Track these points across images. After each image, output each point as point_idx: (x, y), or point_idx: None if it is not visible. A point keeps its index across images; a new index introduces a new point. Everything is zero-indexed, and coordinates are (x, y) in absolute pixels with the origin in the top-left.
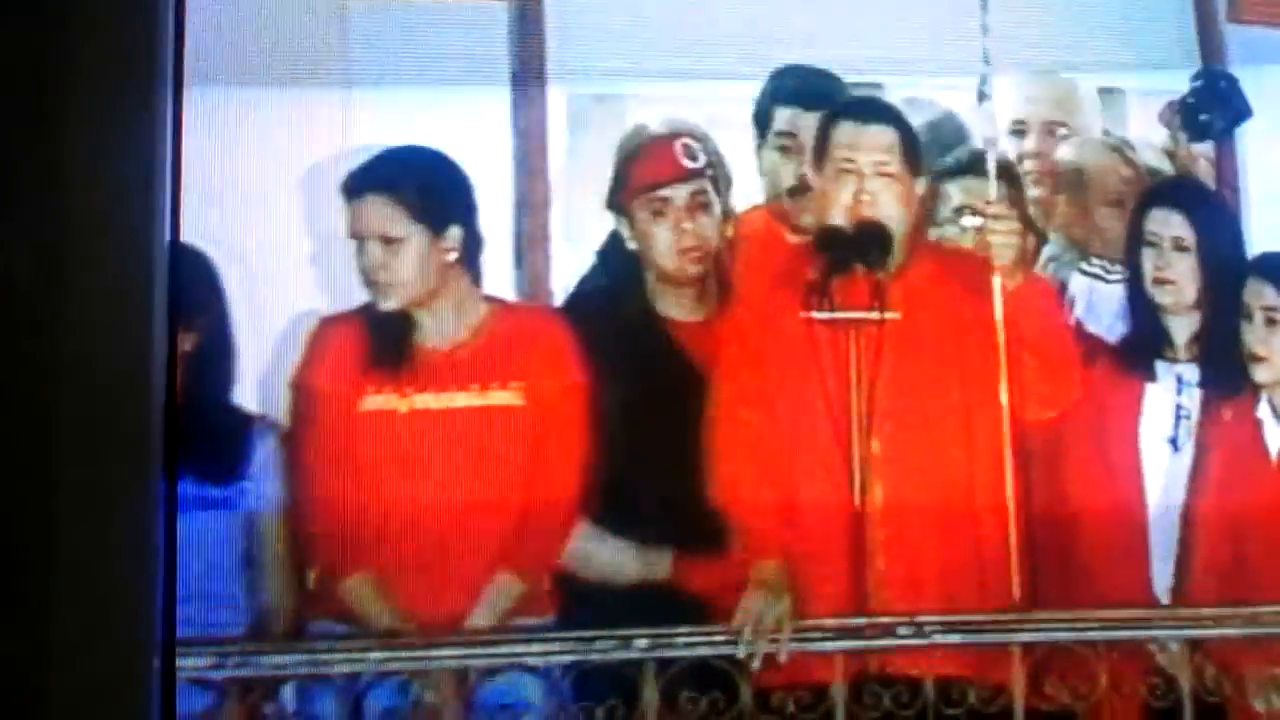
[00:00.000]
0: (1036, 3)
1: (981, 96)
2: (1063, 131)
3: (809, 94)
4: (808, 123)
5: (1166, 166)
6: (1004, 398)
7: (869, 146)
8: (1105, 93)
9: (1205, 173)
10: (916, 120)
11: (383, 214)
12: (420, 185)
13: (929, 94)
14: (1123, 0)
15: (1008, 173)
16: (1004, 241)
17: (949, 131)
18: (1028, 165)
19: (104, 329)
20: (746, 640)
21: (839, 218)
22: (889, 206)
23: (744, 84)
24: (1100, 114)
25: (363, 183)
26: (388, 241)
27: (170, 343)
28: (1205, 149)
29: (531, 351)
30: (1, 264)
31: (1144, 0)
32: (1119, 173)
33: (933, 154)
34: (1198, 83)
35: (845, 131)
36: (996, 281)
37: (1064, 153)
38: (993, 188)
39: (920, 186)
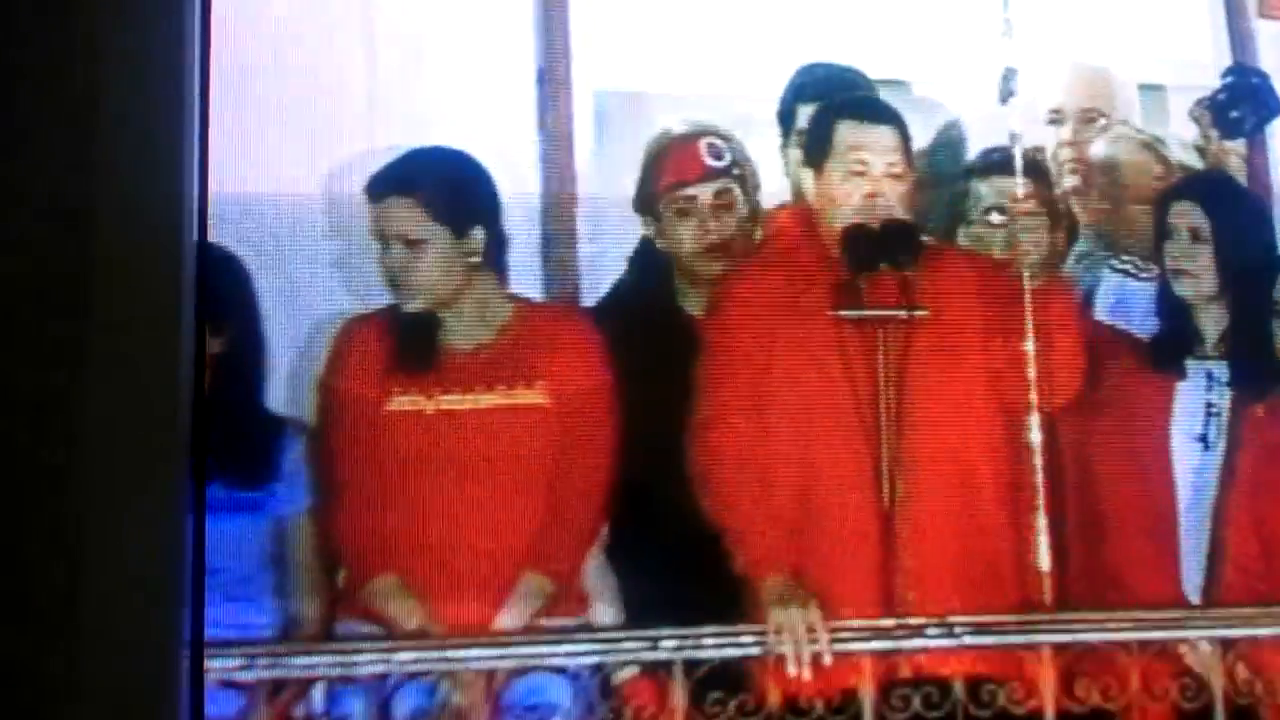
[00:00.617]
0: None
1: (1007, 95)
2: (1101, 122)
3: (832, 91)
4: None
5: (1197, 163)
6: (1033, 396)
7: (878, 147)
8: (1145, 89)
9: (1237, 169)
10: (927, 121)
11: (405, 216)
12: (442, 186)
13: (951, 92)
14: None
15: (1036, 169)
16: (1031, 239)
17: (957, 133)
18: (1064, 154)
19: (132, 331)
20: (790, 653)
21: (854, 218)
22: (901, 206)
23: (771, 83)
24: (1138, 106)
25: (385, 184)
26: (410, 243)
27: (199, 344)
28: (1237, 146)
29: (557, 350)
30: (29, 264)
31: None
32: (1151, 170)
33: (943, 154)
34: (1229, 79)
35: (856, 132)
36: (1025, 279)
37: (1097, 149)
38: (1019, 185)
39: (910, 181)
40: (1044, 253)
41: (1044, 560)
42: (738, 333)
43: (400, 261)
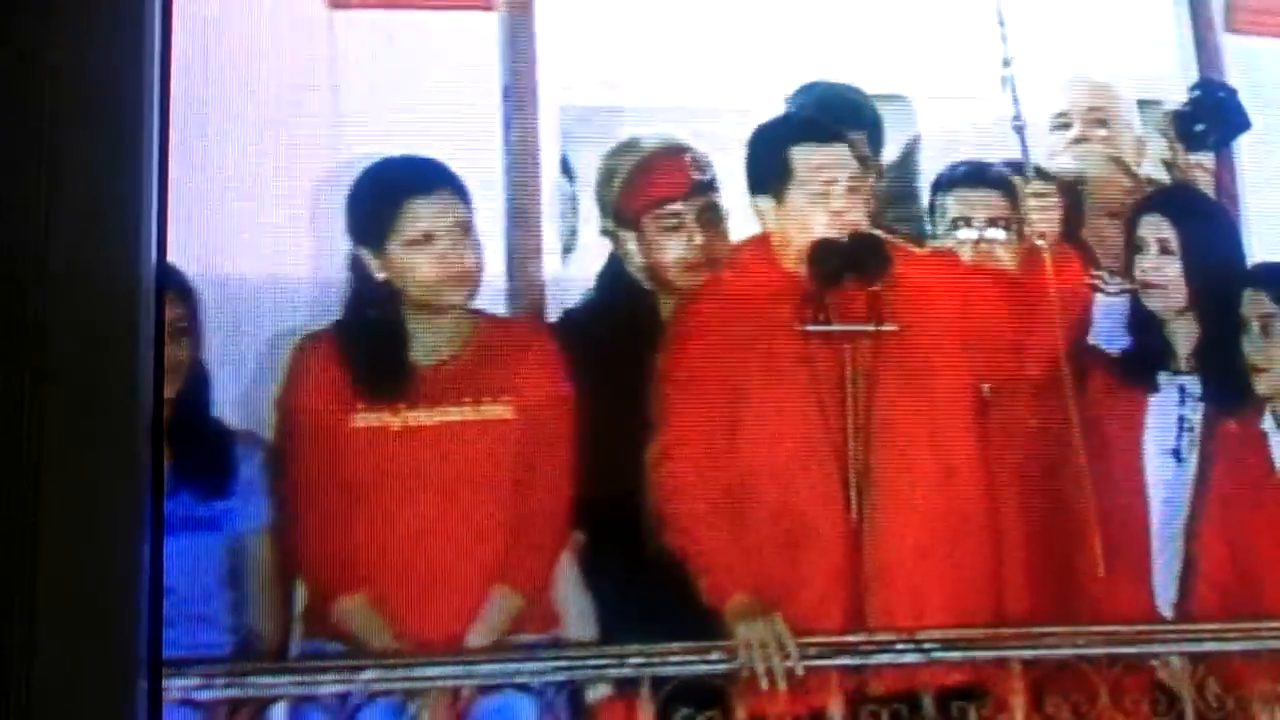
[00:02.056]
0: (1044, 12)
1: (1016, 124)
2: (1102, 132)
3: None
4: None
5: (1165, 177)
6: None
7: (837, 165)
8: (1144, 104)
9: (1205, 183)
10: (896, 132)
11: (444, 207)
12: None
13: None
14: (1120, 9)
15: (1003, 183)
16: (1009, 254)
17: (918, 148)
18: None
19: (91, 348)
20: (760, 668)
21: (820, 234)
22: (860, 219)
23: (737, 99)
24: (1138, 116)
25: (433, 178)
26: (460, 224)
27: (157, 361)
28: (1204, 159)
29: (522, 364)
30: None
31: (1141, 10)
32: (1119, 183)
33: (913, 167)
34: (1195, 93)
35: (808, 153)
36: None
37: (1064, 162)
38: (1026, 202)
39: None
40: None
41: (1014, 574)
42: (700, 351)
43: (451, 250)
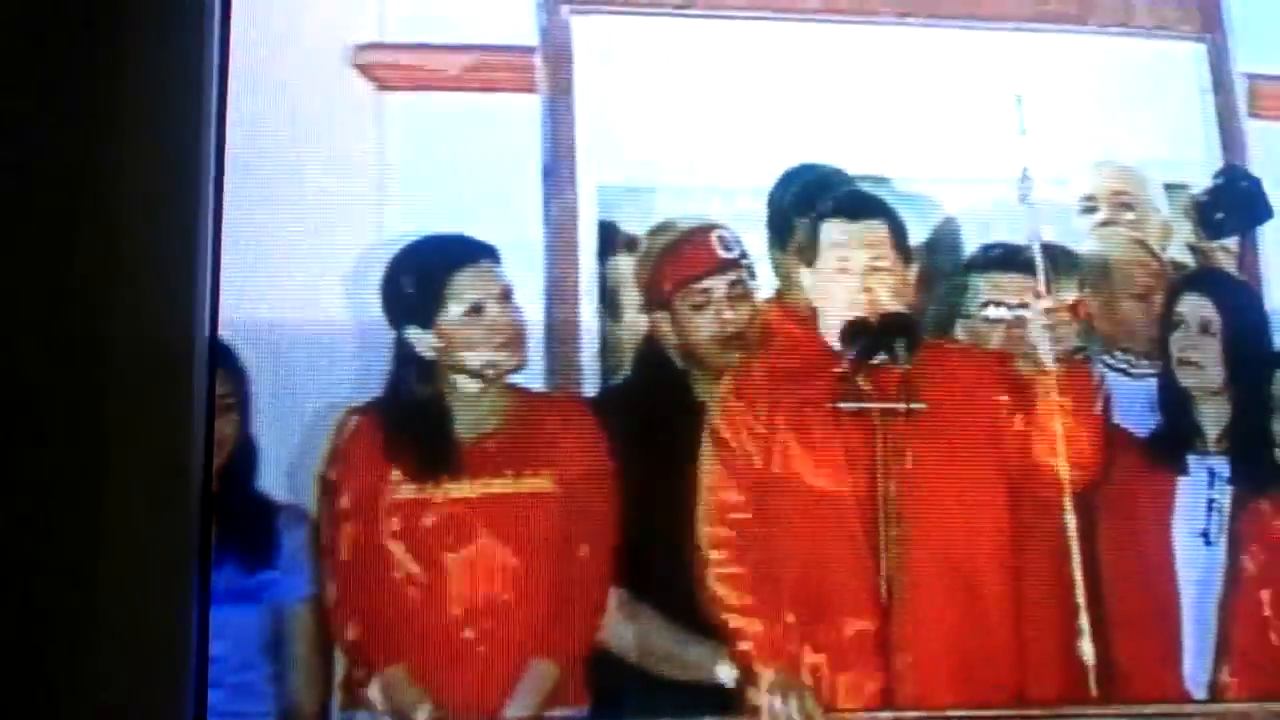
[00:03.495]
0: (1071, 97)
1: (1026, 194)
2: (1129, 215)
3: (820, 194)
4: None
5: (1190, 260)
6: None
7: (861, 243)
8: (1170, 188)
9: (1228, 265)
10: (925, 216)
11: (492, 276)
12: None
13: (964, 188)
14: (1143, 92)
15: (1031, 266)
16: (1059, 333)
17: (954, 227)
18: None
19: (144, 423)
20: None
21: (844, 312)
22: (894, 298)
23: (773, 176)
24: (1165, 198)
25: (467, 252)
26: (504, 298)
27: (207, 435)
28: (1228, 244)
29: (562, 438)
30: (46, 354)
31: (1164, 93)
32: (1144, 265)
33: (940, 249)
34: (1218, 180)
35: (834, 229)
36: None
37: (1089, 245)
38: (1042, 280)
39: (913, 274)
40: (1070, 345)
41: (1045, 655)
42: (740, 425)
43: (500, 317)
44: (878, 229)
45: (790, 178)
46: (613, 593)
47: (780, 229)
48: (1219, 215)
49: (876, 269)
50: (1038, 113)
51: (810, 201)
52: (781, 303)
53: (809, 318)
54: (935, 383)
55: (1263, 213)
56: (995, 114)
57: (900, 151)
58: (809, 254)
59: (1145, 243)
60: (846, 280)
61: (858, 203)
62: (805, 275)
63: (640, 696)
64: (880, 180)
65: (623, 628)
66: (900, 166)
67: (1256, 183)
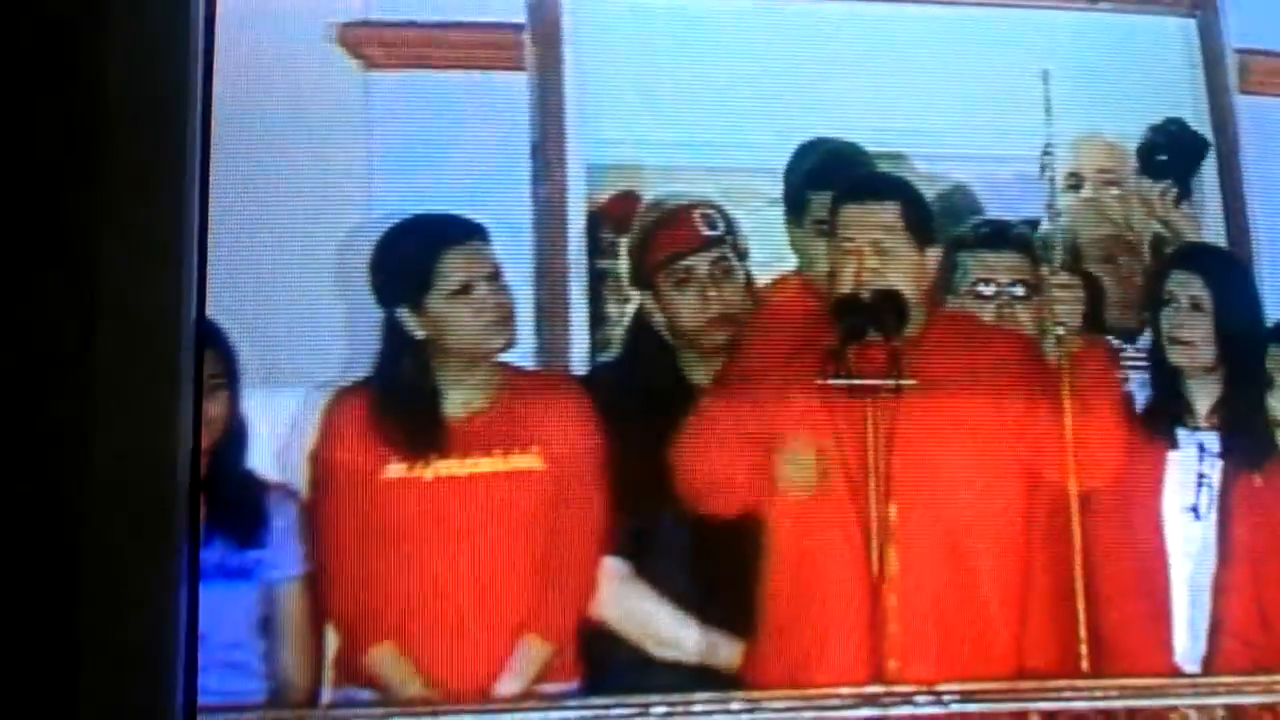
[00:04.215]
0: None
1: (1043, 169)
2: (1114, 191)
3: (837, 169)
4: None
5: (1140, 215)
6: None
7: (866, 225)
8: None
9: (1189, 226)
10: (927, 192)
11: (486, 254)
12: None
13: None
14: (1134, 69)
15: (1023, 243)
16: (1066, 309)
17: (960, 202)
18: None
19: (132, 402)
20: None
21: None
22: (892, 281)
23: (762, 155)
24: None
25: (462, 231)
26: (493, 278)
27: (195, 413)
28: (1187, 208)
29: (550, 415)
30: (31, 334)
31: (1153, 69)
32: (1099, 230)
33: (945, 225)
34: (1154, 127)
35: (847, 213)
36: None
37: (1067, 220)
38: (1058, 256)
39: (932, 255)
40: (1078, 322)
41: (1034, 628)
42: (734, 401)
43: (490, 296)
44: (887, 210)
45: (805, 151)
46: (603, 568)
47: (796, 204)
48: (1160, 157)
49: (883, 251)
50: (1026, 88)
51: (825, 176)
52: (801, 277)
53: (820, 290)
54: (941, 357)
55: (1201, 145)
56: (983, 89)
57: (893, 126)
58: (824, 229)
59: (1098, 203)
60: (849, 260)
61: (867, 183)
62: (820, 251)
63: (631, 672)
64: (896, 156)
65: (612, 605)
66: (892, 140)
67: (1182, 124)
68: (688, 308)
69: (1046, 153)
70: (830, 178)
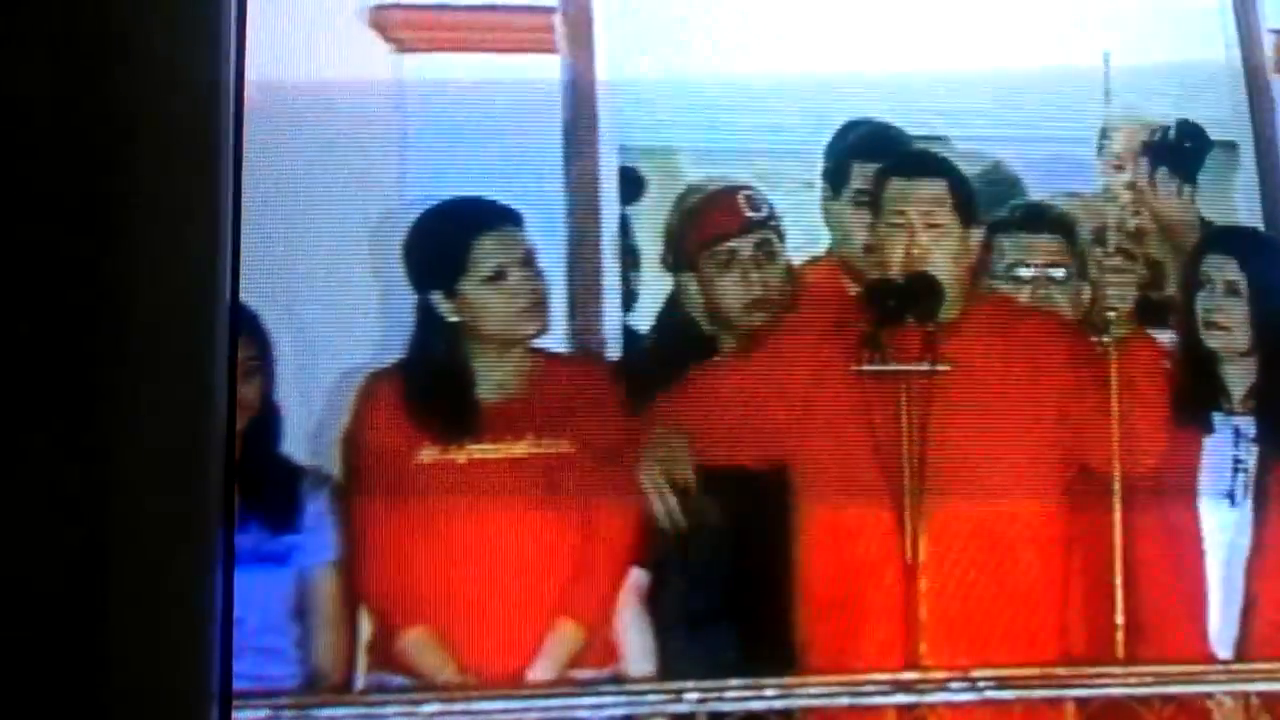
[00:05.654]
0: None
1: (1100, 149)
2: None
3: (883, 147)
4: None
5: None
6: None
7: (916, 200)
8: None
9: (1179, 213)
10: (969, 171)
11: (519, 240)
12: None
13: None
14: (1169, 50)
15: (1063, 225)
16: (1117, 291)
17: (1001, 183)
18: (1126, 198)
19: (166, 387)
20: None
21: (892, 271)
22: (939, 258)
23: (794, 137)
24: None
25: (495, 218)
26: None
27: (230, 397)
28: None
29: (583, 400)
30: (67, 320)
31: (1188, 49)
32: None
33: (986, 207)
34: (1162, 130)
35: (895, 186)
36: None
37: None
38: (1113, 238)
39: (975, 236)
40: (1128, 306)
41: (1069, 614)
42: (769, 384)
43: (523, 282)
44: (936, 185)
45: (850, 127)
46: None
47: (837, 178)
48: (1188, 144)
49: (932, 225)
50: (1068, 71)
51: (870, 150)
52: (833, 257)
53: (858, 272)
54: (979, 341)
55: (1205, 140)
56: (1021, 72)
57: (922, 105)
58: (864, 200)
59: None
60: (899, 236)
61: (916, 158)
62: (862, 226)
63: (667, 657)
64: (935, 138)
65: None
66: (929, 122)
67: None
68: (731, 290)
69: (1105, 136)
70: (875, 152)
